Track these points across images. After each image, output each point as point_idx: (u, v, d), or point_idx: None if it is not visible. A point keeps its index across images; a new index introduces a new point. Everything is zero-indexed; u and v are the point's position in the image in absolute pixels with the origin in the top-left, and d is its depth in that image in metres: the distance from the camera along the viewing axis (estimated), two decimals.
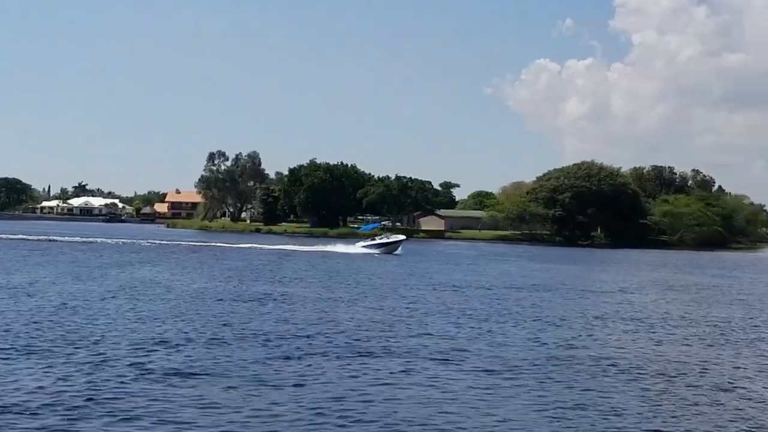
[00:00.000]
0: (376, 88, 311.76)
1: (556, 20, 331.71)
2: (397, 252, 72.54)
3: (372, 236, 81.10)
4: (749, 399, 15.97)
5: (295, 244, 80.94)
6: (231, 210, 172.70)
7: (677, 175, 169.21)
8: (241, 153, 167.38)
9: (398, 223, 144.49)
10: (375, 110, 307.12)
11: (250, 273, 43.78)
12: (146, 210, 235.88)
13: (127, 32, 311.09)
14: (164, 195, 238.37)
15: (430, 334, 22.38)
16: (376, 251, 72.28)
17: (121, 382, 14.80)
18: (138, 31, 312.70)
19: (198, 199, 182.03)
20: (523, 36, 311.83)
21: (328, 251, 72.40)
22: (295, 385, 15.16)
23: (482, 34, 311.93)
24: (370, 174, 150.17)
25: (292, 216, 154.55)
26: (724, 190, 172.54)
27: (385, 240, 75.89)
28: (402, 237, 77.88)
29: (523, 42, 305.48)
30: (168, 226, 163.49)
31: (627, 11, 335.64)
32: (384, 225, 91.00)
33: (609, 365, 18.61)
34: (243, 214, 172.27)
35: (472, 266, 59.08)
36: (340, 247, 74.91)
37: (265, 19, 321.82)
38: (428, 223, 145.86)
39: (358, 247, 74.71)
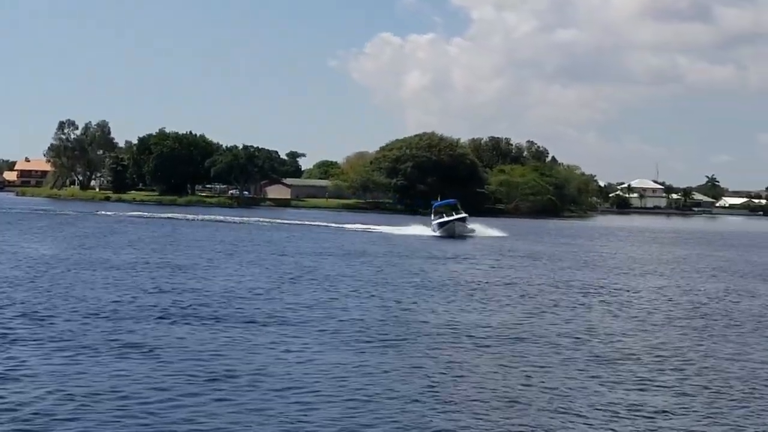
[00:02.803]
0: (225, 59, 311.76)
1: None
2: (468, 233, 64.99)
3: (441, 213, 68.06)
4: (597, 356, 16.93)
5: (367, 223, 75.80)
6: (80, 178, 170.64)
7: (513, 146, 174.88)
8: (90, 122, 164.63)
9: (245, 192, 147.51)
10: (223, 81, 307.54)
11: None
12: None
13: None
14: (13, 163, 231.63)
15: (286, 303, 23.00)
16: (437, 233, 63.83)
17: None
18: None
19: (47, 167, 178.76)
20: (367, 10, 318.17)
21: (395, 234, 65.68)
22: (149, 351, 15.93)
23: (327, 7, 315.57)
24: (218, 143, 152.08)
25: (141, 184, 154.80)
26: (557, 161, 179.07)
27: (445, 219, 65.75)
28: (464, 215, 66.43)
29: (367, 16, 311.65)
30: (17, 195, 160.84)
31: None
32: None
33: (464, 333, 19.14)
34: (92, 183, 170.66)
35: (324, 234, 60.36)
36: (414, 230, 66.98)
37: None
38: (275, 192, 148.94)
39: (431, 229, 65.95)
